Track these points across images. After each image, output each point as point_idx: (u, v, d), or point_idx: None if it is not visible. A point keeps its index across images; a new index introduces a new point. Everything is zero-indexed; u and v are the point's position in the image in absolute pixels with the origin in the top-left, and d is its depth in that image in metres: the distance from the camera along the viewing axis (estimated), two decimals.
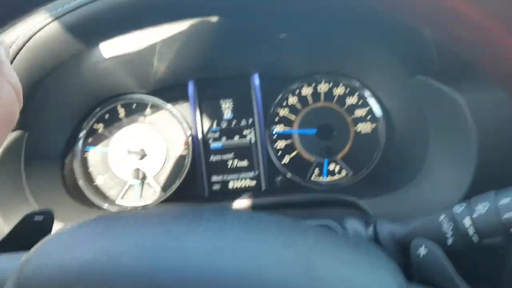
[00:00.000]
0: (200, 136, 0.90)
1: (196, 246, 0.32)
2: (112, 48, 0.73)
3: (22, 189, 0.76)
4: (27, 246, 0.42)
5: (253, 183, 0.90)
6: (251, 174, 0.90)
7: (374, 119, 0.88)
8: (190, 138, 0.89)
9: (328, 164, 0.89)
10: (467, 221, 0.46)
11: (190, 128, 0.90)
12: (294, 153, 0.90)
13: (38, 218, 0.51)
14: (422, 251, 0.45)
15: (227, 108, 0.91)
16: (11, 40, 0.60)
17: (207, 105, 0.91)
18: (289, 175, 0.89)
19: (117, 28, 0.61)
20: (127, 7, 0.58)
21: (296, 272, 0.31)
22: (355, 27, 0.70)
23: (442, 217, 0.49)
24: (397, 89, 0.82)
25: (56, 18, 0.58)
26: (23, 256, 0.36)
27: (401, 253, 0.50)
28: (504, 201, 0.45)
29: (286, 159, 0.90)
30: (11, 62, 0.62)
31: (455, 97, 0.65)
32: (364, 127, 0.89)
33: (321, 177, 0.89)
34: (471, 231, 0.46)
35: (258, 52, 0.85)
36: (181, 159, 0.90)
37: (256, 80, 0.89)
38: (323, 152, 0.89)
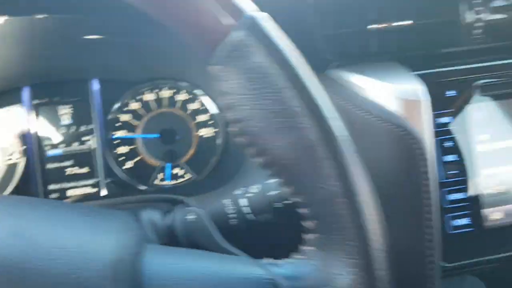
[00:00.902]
0: (35, 143, 0.86)
1: None
2: None
3: None
4: None
5: (94, 190, 0.88)
6: (91, 181, 0.88)
7: (215, 124, 0.92)
8: (24, 146, 0.85)
9: (172, 168, 0.91)
10: (243, 201, 0.50)
11: (25, 136, 0.86)
12: (137, 158, 0.90)
13: None
14: (189, 216, 0.48)
15: (65, 114, 0.88)
16: None
17: (44, 111, 0.87)
18: (129, 180, 0.89)
19: None
20: None
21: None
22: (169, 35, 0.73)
23: (226, 200, 0.52)
24: None
25: None
26: None
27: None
28: (271, 181, 0.50)
29: (129, 165, 0.90)
30: None
31: None
32: (206, 132, 0.92)
33: (165, 181, 0.90)
34: (246, 210, 0.50)
35: (94, 55, 0.84)
36: (12, 169, 0.85)
37: (95, 85, 0.88)
38: (166, 157, 0.91)
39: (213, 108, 0.91)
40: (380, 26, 0.68)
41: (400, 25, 0.67)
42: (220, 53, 0.31)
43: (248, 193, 0.50)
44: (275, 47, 0.31)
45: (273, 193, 0.48)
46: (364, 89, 0.62)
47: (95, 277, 0.31)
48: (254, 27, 0.31)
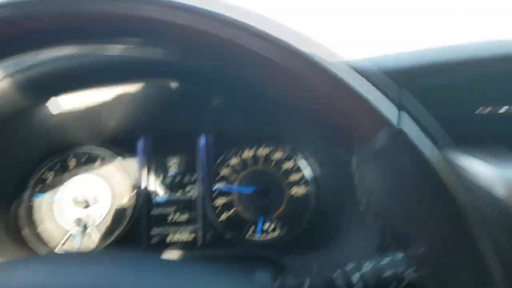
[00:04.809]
0: (144, 189, 0.95)
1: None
2: (61, 103, 0.80)
3: None
4: None
5: (191, 237, 0.95)
6: (190, 228, 0.95)
7: (306, 183, 0.96)
8: (135, 191, 0.95)
9: (263, 223, 0.96)
10: (355, 278, 0.53)
11: (137, 182, 0.95)
12: (232, 211, 0.96)
13: None
14: None
15: (173, 164, 0.97)
16: None
17: (154, 160, 0.97)
18: (224, 231, 0.95)
19: (66, 87, 0.68)
20: (77, 69, 0.66)
21: None
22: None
23: (336, 273, 0.55)
24: (325, 155, 0.91)
25: (7, 76, 0.65)
26: None
27: None
28: (385, 261, 0.52)
29: (224, 216, 0.96)
30: None
31: None
32: (298, 191, 0.97)
33: (255, 235, 0.95)
34: (358, 287, 0.53)
35: (205, 115, 0.93)
36: (124, 211, 0.94)
37: (202, 140, 0.97)
38: (259, 212, 0.96)
39: (306, 169, 0.97)
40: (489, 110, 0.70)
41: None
42: (365, 149, 0.35)
43: (362, 270, 0.53)
44: (418, 157, 0.35)
45: (388, 272, 0.50)
46: (473, 172, 0.64)
47: None
48: (401, 138, 0.35)
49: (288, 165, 0.98)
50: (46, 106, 0.80)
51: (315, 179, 0.96)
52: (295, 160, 0.97)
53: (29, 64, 0.65)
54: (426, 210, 0.36)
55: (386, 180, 0.36)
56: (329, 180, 0.93)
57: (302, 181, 0.97)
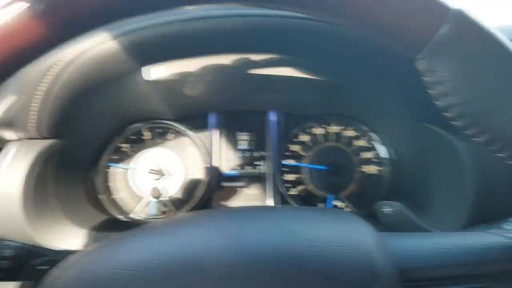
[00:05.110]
0: (216, 163, 0.96)
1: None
2: (151, 72, 0.82)
3: (47, 192, 0.82)
4: None
5: None
6: (260, 202, 0.96)
7: (380, 161, 0.94)
8: (207, 164, 0.96)
9: (333, 200, 0.95)
10: None
11: (208, 156, 0.97)
12: (301, 187, 0.96)
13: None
14: (386, 209, 0.50)
15: (243, 140, 0.98)
16: (63, 55, 0.69)
17: (226, 136, 0.98)
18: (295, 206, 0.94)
19: (163, 55, 0.70)
20: (176, 37, 0.67)
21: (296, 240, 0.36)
22: (366, 74, 0.78)
23: None
24: (403, 134, 0.89)
25: (111, 39, 0.67)
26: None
27: None
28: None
29: (294, 192, 0.96)
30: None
31: (456, 144, 0.71)
32: (370, 169, 0.95)
33: None
34: None
35: (277, 91, 0.93)
36: (196, 183, 0.96)
37: (272, 116, 0.97)
38: (329, 189, 0.95)
39: (380, 147, 0.94)
40: None
41: None
42: (431, 47, 0.33)
43: None
44: (488, 34, 0.32)
45: None
46: None
47: (361, 270, 0.34)
48: (462, 20, 0.32)
49: (360, 142, 0.96)
50: (137, 75, 0.82)
51: (390, 157, 0.94)
52: (368, 138, 0.96)
53: (132, 28, 0.67)
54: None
55: (459, 70, 0.33)
56: (406, 159, 0.90)
57: (374, 159, 0.95)
